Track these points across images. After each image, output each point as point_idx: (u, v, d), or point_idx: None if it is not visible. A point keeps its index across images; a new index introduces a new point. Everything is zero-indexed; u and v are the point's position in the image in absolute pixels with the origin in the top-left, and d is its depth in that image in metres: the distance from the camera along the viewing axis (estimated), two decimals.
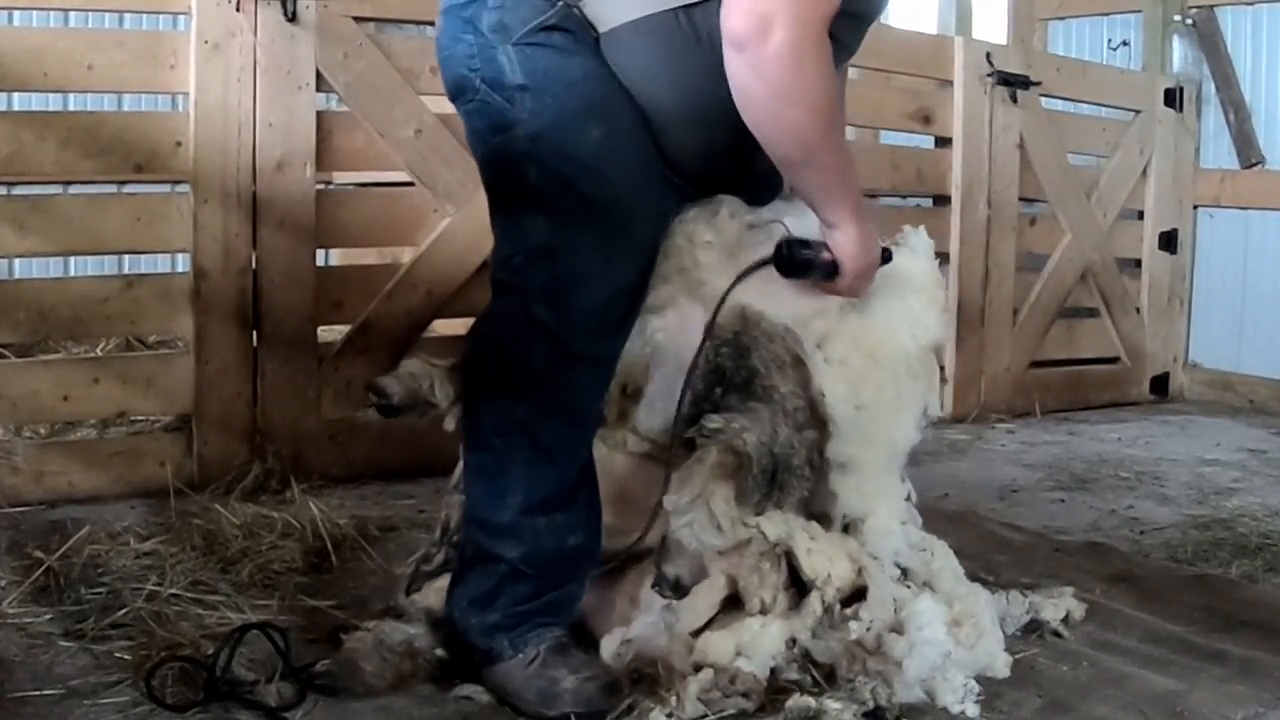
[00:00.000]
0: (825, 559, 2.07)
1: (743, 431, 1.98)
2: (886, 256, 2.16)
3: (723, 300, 2.06)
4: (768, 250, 2.08)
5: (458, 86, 1.96)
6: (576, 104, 1.88)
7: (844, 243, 2.02)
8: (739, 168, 2.08)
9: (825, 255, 2.04)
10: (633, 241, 1.97)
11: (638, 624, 2.00)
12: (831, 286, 2.07)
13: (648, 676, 1.90)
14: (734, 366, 2.05)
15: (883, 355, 2.14)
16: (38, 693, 1.97)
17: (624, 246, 1.96)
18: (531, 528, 1.97)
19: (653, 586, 1.96)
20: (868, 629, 2.03)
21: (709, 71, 1.85)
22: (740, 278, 2.07)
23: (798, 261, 2.05)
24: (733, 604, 2.08)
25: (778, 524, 2.06)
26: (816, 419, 2.09)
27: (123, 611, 2.27)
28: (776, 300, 2.10)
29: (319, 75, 3.34)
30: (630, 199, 1.94)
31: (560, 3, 1.89)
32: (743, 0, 1.77)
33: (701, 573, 1.99)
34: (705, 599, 2.05)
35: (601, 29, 1.90)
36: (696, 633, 2.03)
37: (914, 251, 2.28)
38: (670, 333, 2.10)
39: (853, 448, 2.12)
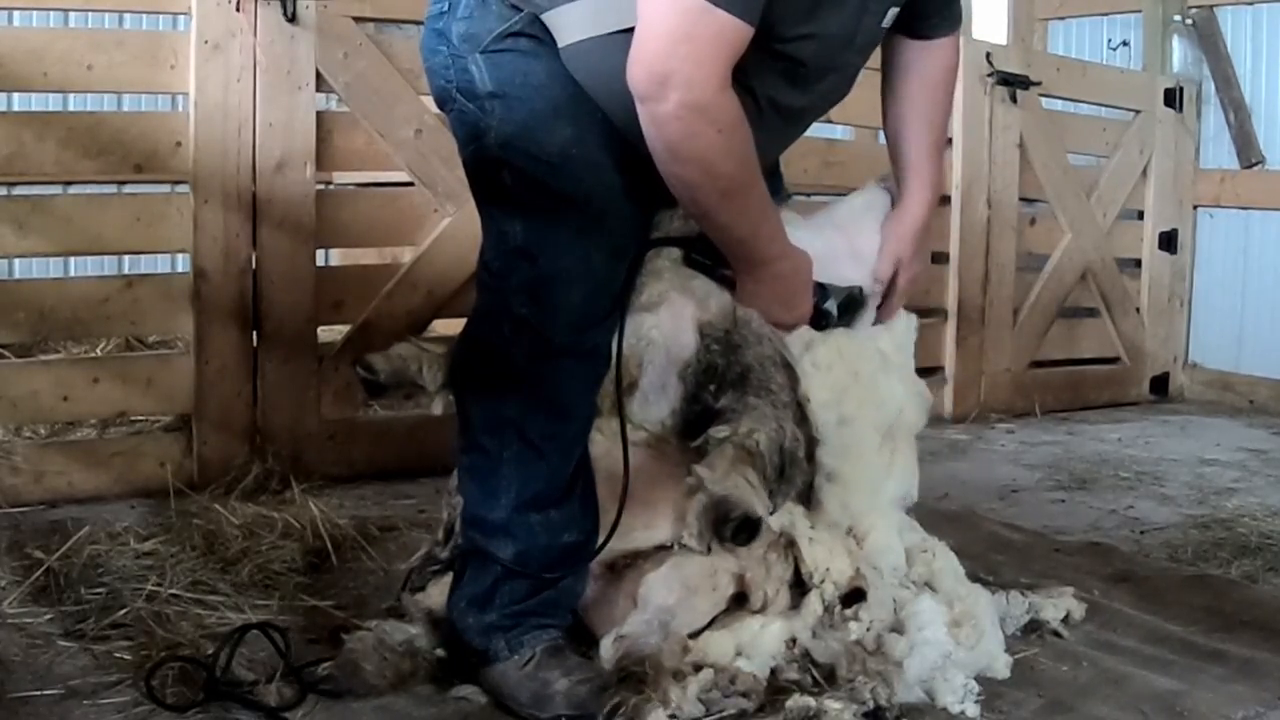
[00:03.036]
0: (826, 550, 2.08)
1: (752, 434, 1.98)
2: (821, 321, 2.12)
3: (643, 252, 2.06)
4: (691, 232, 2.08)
5: (439, 96, 1.99)
6: (544, 106, 1.89)
7: (742, 292, 2.05)
8: None
9: (726, 272, 2.05)
10: (610, 236, 1.97)
11: (631, 621, 2.00)
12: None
13: (634, 675, 1.89)
14: (725, 364, 2.06)
15: (864, 372, 2.14)
16: (38, 693, 1.97)
17: (601, 243, 1.96)
18: (525, 525, 1.97)
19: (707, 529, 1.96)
20: (868, 629, 2.04)
21: None
22: (651, 244, 2.07)
23: (694, 261, 2.07)
24: (734, 601, 2.08)
25: (780, 514, 2.07)
26: (804, 420, 2.09)
27: (123, 611, 2.27)
28: None
29: (319, 75, 3.34)
30: (603, 196, 1.94)
31: (525, 10, 1.90)
32: (644, 54, 1.76)
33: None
34: (706, 601, 2.05)
35: (559, 42, 1.90)
36: (696, 634, 2.02)
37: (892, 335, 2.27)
38: (663, 329, 2.10)
39: (837, 460, 2.12)
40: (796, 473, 2.05)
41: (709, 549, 1.98)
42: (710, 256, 2.05)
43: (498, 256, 1.97)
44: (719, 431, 1.99)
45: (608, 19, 1.85)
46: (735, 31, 1.76)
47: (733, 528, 1.94)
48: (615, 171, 1.94)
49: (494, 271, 1.97)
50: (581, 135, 1.90)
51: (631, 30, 1.81)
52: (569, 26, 1.88)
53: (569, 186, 1.91)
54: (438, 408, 2.15)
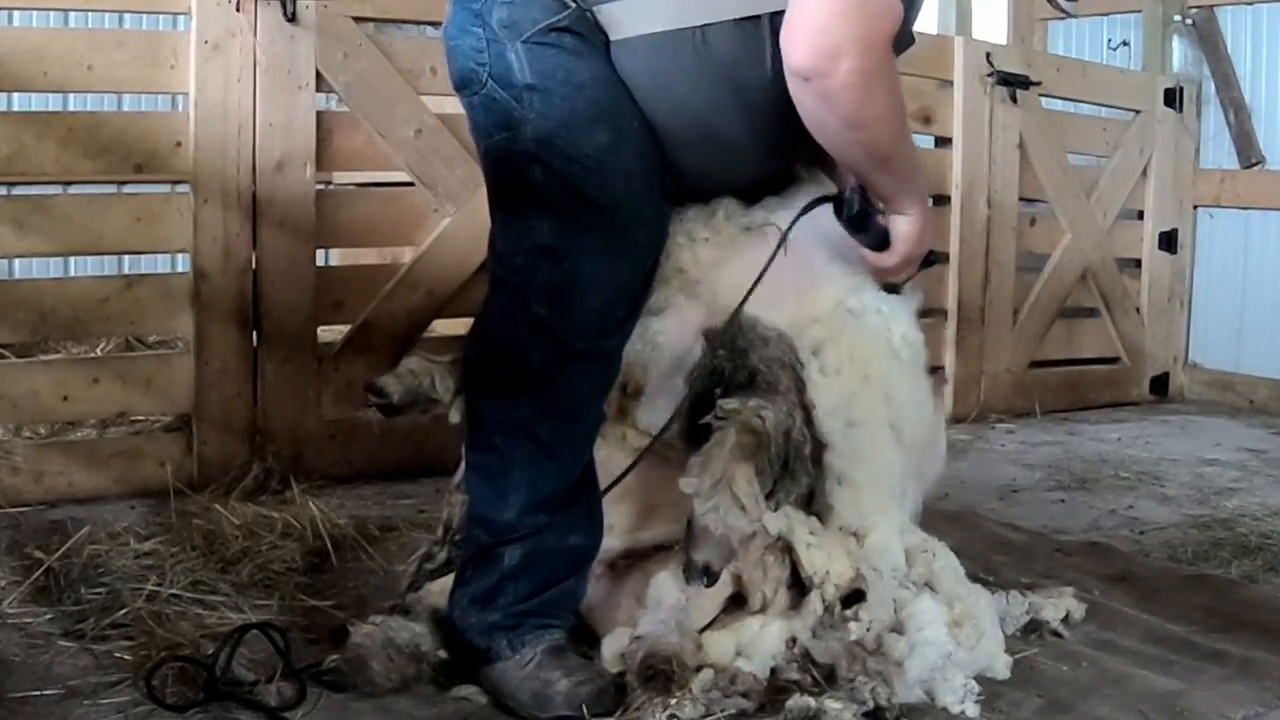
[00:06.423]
0: (824, 554, 2.08)
1: (760, 410, 1.97)
2: (931, 260, 2.18)
3: (782, 241, 2.06)
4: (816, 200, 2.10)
5: (463, 78, 1.96)
6: (584, 106, 1.88)
7: (905, 228, 2.06)
8: (736, 182, 2.09)
9: (883, 221, 2.07)
10: (635, 245, 1.97)
11: (647, 621, 2.00)
12: (875, 259, 2.09)
13: (661, 674, 1.89)
14: (733, 368, 2.06)
15: (874, 374, 2.15)
16: (38, 693, 1.97)
17: (626, 250, 1.96)
18: (534, 526, 1.97)
19: (684, 572, 1.93)
20: (868, 629, 2.04)
21: (716, 90, 1.85)
22: (805, 211, 2.08)
23: (859, 211, 2.05)
24: (734, 602, 2.08)
25: (778, 518, 2.07)
26: (809, 423, 2.09)
27: (123, 611, 2.27)
28: (771, 306, 2.10)
29: (319, 75, 3.34)
30: (633, 203, 1.94)
31: (573, 5, 1.89)
32: (806, 33, 1.77)
33: (730, 556, 1.96)
34: (712, 596, 2.05)
35: (614, 36, 1.90)
36: (702, 631, 2.03)
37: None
38: (669, 334, 2.10)
39: (845, 463, 2.12)
40: (801, 470, 2.05)
41: (687, 581, 1.96)
42: (867, 206, 2.07)
43: (520, 252, 1.95)
44: (729, 403, 1.98)
45: (684, 14, 1.86)
46: (896, 10, 1.79)
47: (698, 573, 1.92)
48: (645, 181, 1.95)
49: (515, 268, 1.95)
50: (618, 141, 1.90)
51: (698, 27, 1.84)
52: (629, 20, 1.88)
53: (601, 192, 1.90)
54: (455, 415, 2.14)
